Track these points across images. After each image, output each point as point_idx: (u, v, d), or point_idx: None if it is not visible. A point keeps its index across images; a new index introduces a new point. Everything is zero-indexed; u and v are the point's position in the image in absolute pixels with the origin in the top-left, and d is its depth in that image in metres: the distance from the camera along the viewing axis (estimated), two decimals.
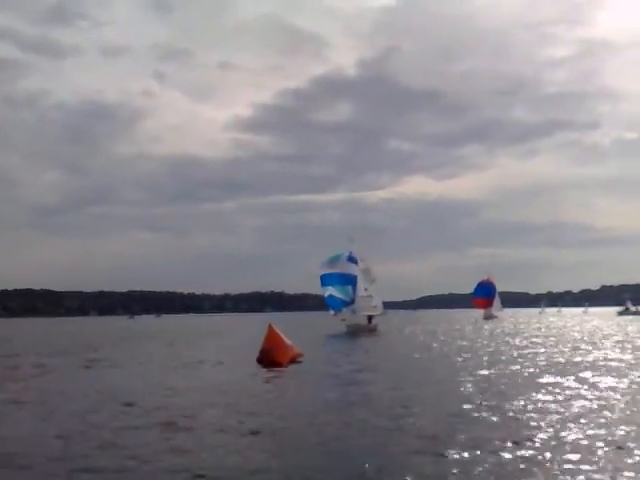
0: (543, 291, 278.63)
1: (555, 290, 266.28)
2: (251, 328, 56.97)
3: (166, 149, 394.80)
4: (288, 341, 22.92)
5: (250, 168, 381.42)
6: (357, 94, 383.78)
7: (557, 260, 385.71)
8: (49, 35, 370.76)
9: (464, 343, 33.15)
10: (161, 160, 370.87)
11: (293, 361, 21.96)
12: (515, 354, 24.74)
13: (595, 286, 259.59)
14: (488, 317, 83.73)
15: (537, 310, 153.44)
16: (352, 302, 49.82)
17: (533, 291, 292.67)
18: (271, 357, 21.36)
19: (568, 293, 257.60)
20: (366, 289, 50.64)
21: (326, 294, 50.53)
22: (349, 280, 49.94)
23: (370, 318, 50.85)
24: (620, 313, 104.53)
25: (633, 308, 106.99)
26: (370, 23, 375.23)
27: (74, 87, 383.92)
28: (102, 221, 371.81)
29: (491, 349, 28.03)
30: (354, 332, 46.61)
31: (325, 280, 50.52)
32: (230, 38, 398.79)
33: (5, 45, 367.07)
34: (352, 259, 50.60)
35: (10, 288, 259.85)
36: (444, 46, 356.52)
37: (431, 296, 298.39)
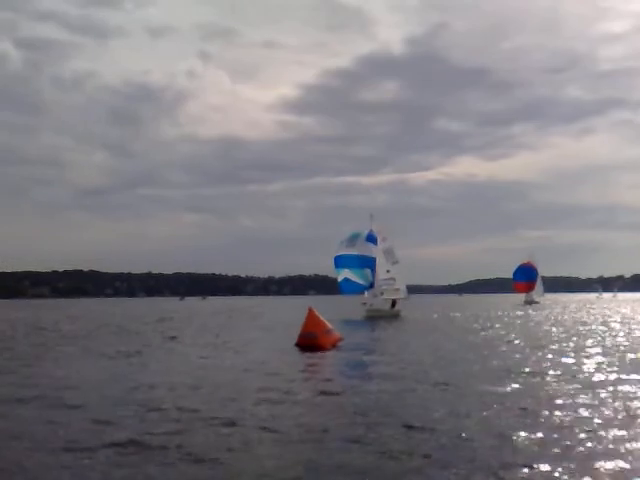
0: (594, 275, 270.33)
1: (607, 274, 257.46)
2: (294, 311, 54.03)
3: (210, 130, 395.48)
4: (329, 325, 22.20)
5: (295, 149, 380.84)
6: (404, 72, 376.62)
7: (609, 243, 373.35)
8: (95, 16, 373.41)
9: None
10: (205, 142, 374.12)
11: (334, 346, 21.16)
12: None
13: None
14: (529, 302, 79.58)
15: (591, 295, 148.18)
16: (371, 286, 46.19)
17: (584, 275, 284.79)
18: (311, 341, 20.73)
19: (620, 278, 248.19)
20: (388, 271, 46.77)
21: (340, 277, 46.54)
22: (367, 262, 45.90)
23: (393, 302, 47.06)
24: None
25: None
26: None
27: (120, 68, 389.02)
28: (148, 203, 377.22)
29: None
30: (374, 317, 43.06)
31: (340, 262, 46.44)
32: (274, 16, 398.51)
33: (52, 26, 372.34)
34: (371, 238, 46.54)
35: (60, 269, 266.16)
36: (494, 22, 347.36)
37: (478, 280, 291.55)
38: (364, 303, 46.42)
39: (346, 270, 46.22)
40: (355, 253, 45.95)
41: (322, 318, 22.20)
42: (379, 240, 46.73)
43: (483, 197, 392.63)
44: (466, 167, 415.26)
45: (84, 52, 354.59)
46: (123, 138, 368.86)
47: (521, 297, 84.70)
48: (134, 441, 8.21)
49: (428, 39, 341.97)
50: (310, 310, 21.72)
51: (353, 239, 46.91)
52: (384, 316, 44.14)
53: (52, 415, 10.15)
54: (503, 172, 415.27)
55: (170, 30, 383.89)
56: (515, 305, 74.56)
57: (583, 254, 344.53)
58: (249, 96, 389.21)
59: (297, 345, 21.11)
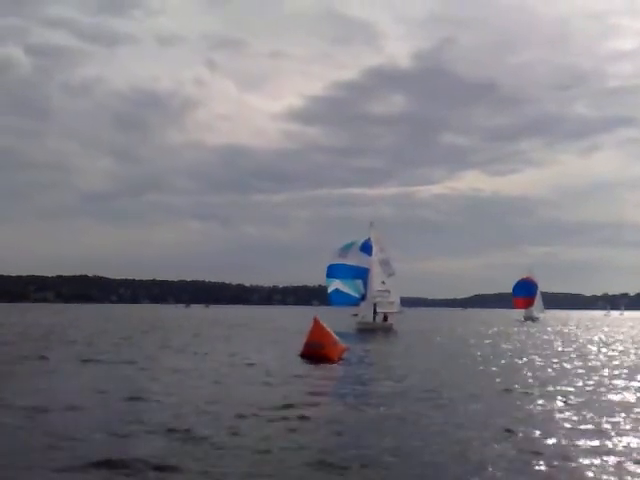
0: (599, 292, 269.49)
1: (611, 292, 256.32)
2: (299, 321, 52.52)
3: (216, 139, 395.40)
4: (335, 336, 21.49)
5: (300, 160, 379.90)
6: (411, 86, 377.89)
7: (614, 261, 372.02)
8: (104, 24, 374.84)
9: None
10: (211, 149, 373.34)
11: (340, 358, 20.52)
12: None
13: None
14: (528, 318, 77.51)
15: (596, 313, 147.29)
16: (362, 298, 44.45)
17: (588, 292, 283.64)
18: (317, 351, 20.15)
19: (625, 295, 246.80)
20: (383, 282, 44.80)
21: (331, 288, 44.62)
22: (359, 273, 44.12)
23: (386, 316, 44.70)
24: None
25: None
26: (425, 13, 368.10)
27: (128, 75, 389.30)
28: (154, 209, 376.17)
29: None
30: (365, 330, 41.14)
31: (331, 272, 44.69)
32: (282, 27, 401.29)
33: (62, 34, 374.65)
34: (366, 248, 44.60)
35: (65, 274, 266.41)
36: (501, 37, 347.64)
37: (482, 295, 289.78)
38: (355, 315, 44.57)
39: (337, 281, 44.54)
40: (347, 263, 44.29)
41: (327, 328, 21.41)
42: (376, 250, 45.03)
43: (488, 212, 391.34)
44: (472, 182, 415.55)
45: (93, 59, 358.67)
46: (130, 144, 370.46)
47: (521, 313, 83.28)
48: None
49: (435, 53, 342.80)
50: (316, 320, 21.06)
51: (346, 249, 45.22)
52: (376, 329, 42.34)
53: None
54: (509, 188, 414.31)
55: (178, 39, 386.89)
56: (514, 321, 73.54)
57: (588, 271, 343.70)
58: (255, 105, 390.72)
59: (302, 355, 20.53)
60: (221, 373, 16.86)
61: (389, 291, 45.64)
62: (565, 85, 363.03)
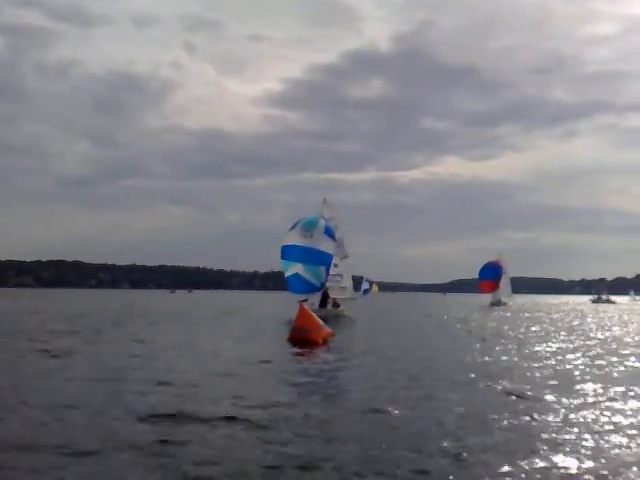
0: (577, 278, 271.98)
1: (589, 277, 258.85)
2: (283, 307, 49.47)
3: (194, 122, 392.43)
4: (320, 320, 22.37)
5: (279, 144, 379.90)
6: (390, 69, 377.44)
7: (593, 246, 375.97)
8: (79, 4, 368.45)
9: None
10: (190, 134, 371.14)
11: (325, 341, 21.26)
12: None
13: (630, 274, 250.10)
14: (495, 304, 75.44)
15: (575, 298, 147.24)
16: (322, 287, 39.17)
17: (566, 277, 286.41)
18: (303, 335, 20.80)
19: (602, 281, 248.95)
20: (336, 265, 40.91)
21: (289, 272, 37.87)
22: (324, 259, 38.40)
23: (337, 303, 40.75)
24: (594, 301, 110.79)
25: (605, 297, 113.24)
26: None
27: (104, 57, 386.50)
28: (132, 194, 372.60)
29: None
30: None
31: (291, 253, 38.02)
32: (261, 9, 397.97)
33: (35, 13, 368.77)
34: (329, 231, 39.07)
35: (43, 259, 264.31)
36: (480, 20, 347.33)
37: (461, 280, 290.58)
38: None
39: (299, 265, 38.08)
40: (312, 246, 38.11)
41: (312, 313, 22.27)
42: (334, 231, 40.14)
43: (467, 197, 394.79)
44: (451, 167, 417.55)
45: (68, 40, 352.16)
46: (107, 128, 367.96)
47: (488, 297, 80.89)
48: None
49: (414, 36, 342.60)
50: (301, 305, 22.00)
51: (309, 228, 38.55)
52: (326, 317, 34.84)
53: None
54: (488, 172, 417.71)
55: (155, 20, 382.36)
56: (480, 307, 72.34)
57: (567, 256, 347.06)
58: (234, 89, 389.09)
59: (289, 340, 21.03)
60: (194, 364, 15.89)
61: (341, 275, 43.12)
62: (544, 69, 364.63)
